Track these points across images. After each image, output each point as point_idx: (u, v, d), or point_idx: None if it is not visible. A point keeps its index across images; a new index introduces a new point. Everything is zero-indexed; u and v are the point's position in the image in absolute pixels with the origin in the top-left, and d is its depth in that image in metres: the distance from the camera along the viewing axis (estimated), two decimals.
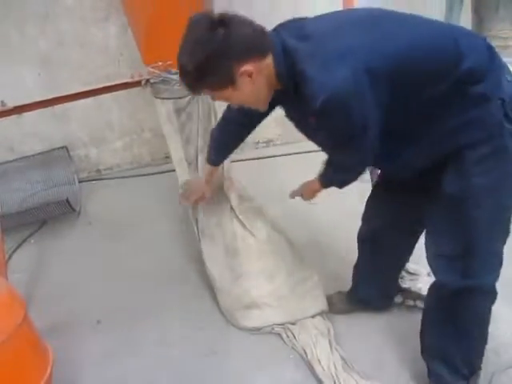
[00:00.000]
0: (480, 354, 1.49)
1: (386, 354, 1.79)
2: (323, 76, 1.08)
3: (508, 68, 1.22)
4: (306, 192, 1.75)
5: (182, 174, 2.15)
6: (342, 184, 1.50)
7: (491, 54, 1.20)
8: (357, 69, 1.07)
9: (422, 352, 1.59)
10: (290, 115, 1.40)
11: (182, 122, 2.12)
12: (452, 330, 1.45)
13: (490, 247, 1.30)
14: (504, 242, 1.32)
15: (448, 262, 1.34)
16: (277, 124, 3.56)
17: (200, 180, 1.96)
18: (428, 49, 1.15)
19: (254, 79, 1.16)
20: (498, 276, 1.36)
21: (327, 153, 1.44)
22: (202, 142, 2.10)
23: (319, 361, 1.71)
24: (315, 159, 3.38)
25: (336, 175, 1.50)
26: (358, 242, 1.81)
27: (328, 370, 1.68)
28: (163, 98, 2.21)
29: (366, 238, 1.77)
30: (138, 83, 2.35)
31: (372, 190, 1.71)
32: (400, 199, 1.55)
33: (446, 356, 1.50)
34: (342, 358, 1.73)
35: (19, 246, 2.75)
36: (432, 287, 1.48)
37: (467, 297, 1.36)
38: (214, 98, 1.30)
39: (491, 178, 1.20)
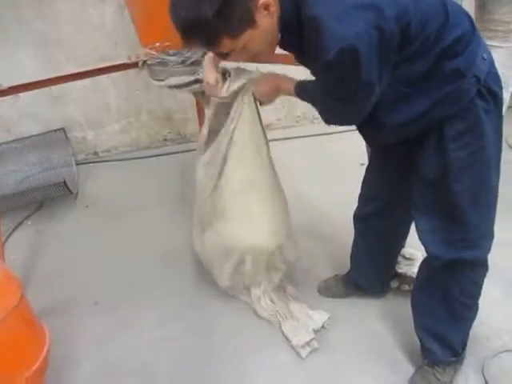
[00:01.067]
0: (470, 328, 1.54)
1: (381, 338, 1.81)
2: (340, 28, 1.03)
3: (485, 45, 1.22)
4: (269, 86, 1.55)
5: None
6: (321, 116, 1.35)
7: (473, 27, 1.19)
8: (374, 25, 1.03)
9: (416, 331, 1.62)
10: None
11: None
12: (444, 306, 1.48)
13: (478, 220, 1.32)
14: (491, 216, 1.36)
15: (439, 235, 1.36)
16: (278, 107, 3.55)
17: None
18: (426, 12, 1.12)
19: (272, 12, 1.11)
20: (489, 249, 1.39)
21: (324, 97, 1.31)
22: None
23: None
24: (314, 143, 3.41)
25: (321, 111, 1.34)
26: (354, 222, 1.82)
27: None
28: (160, 80, 2.18)
29: (360, 218, 1.78)
30: (135, 65, 2.32)
31: (366, 169, 1.71)
32: (392, 173, 1.55)
33: (438, 333, 1.53)
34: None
35: (16, 227, 2.75)
36: (423, 263, 1.52)
37: (459, 270, 1.39)
38: (228, 56, 1.22)
39: (468, 154, 1.23)
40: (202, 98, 1.99)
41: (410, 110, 1.22)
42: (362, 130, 1.43)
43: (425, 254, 1.48)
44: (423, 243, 1.42)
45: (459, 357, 1.58)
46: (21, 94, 2.85)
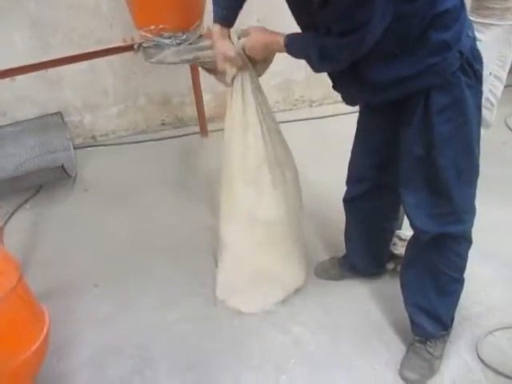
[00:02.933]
0: (458, 301, 1.58)
1: (377, 319, 1.85)
2: None
3: (471, 24, 1.25)
4: (257, 41, 1.47)
5: None
6: (312, 63, 1.32)
7: (463, 3, 1.20)
8: None
9: (406, 308, 1.66)
10: None
11: None
12: (432, 281, 1.52)
13: (462, 194, 1.36)
14: (474, 190, 1.40)
15: (425, 210, 1.39)
16: (276, 91, 3.53)
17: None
18: None
19: None
20: (472, 223, 1.43)
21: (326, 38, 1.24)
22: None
23: None
24: (314, 127, 3.40)
25: (312, 56, 1.28)
26: (344, 206, 1.84)
27: None
28: (155, 63, 2.17)
29: (348, 201, 1.80)
30: (130, 48, 2.31)
31: (351, 151, 1.70)
32: (377, 151, 1.56)
33: (428, 309, 1.57)
34: None
35: (15, 211, 2.75)
36: (410, 241, 1.57)
37: (445, 244, 1.43)
38: None
39: (452, 128, 1.25)
40: (215, 74, 1.85)
41: (393, 71, 1.22)
42: (342, 84, 1.42)
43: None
44: (410, 218, 1.45)
45: (448, 330, 1.64)
46: (16, 78, 2.83)
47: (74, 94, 3.20)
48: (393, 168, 1.46)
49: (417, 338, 1.65)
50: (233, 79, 1.58)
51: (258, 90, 1.62)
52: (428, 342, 1.61)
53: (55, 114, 3.14)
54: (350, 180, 1.76)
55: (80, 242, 2.45)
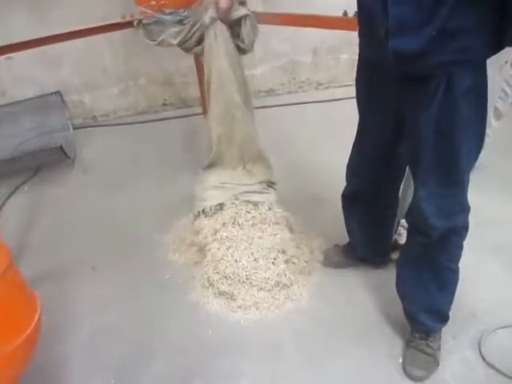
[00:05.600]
0: (455, 290, 1.54)
1: (381, 311, 1.80)
2: None
3: None
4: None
5: None
6: None
7: None
8: None
9: (405, 306, 1.61)
10: None
11: None
12: (434, 277, 1.48)
13: (467, 182, 1.34)
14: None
15: (435, 201, 1.33)
16: (281, 72, 3.44)
17: None
18: None
19: None
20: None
21: None
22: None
23: None
24: (318, 110, 3.31)
25: None
26: (342, 201, 1.80)
27: None
28: (156, 41, 2.08)
29: (346, 197, 1.77)
30: (130, 24, 2.22)
31: (354, 144, 1.62)
32: (382, 142, 1.48)
33: (430, 305, 1.53)
34: None
35: (13, 192, 2.71)
36: (412, 239, 1.50)
37: (450, 238, 1.39)
38: None
39: (473, 110, 1.21)
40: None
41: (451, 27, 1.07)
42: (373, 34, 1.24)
43: None
44: (422, 214, 1.36)
45: (447, 321, 1.59)
46: (14, 56, 2.77)
47: (73, 73, 3.12)
48: (396, 160, 1.45)
49: (417, 334, 1.59)
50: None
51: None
52: (429, 337, 1.57)
53: (54, 93, 3.07)
54: (349, 174, 1.70)
55: (78, 224, 2.40)
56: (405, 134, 1.37)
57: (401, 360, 1.60)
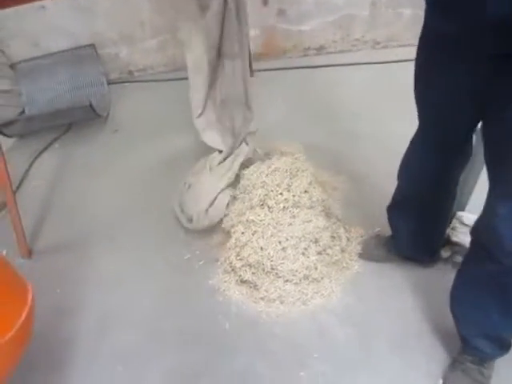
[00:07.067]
0: None
1: (421, 316, 1.56)
2: None
3: None
4: None
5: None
6: None
7: None
8: None
9: (460, 328, 1.36)
10: None
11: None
12: (501, 303, 1.22)
13: None
14: None
15: None
16: (333, 28, 3.07)
17: None
18: None
19: None
20: None
21: None
22: (229, 45, 1.75)
23: None
24: (375, 72, 2.96)
25: None
26: (393, 209, 1.57)
27: None
28: None
29: (401, 200, 1.53)
30: None
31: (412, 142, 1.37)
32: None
33: (491, 331, 1.29)
34: None
35: (44, 149, 2.63)
36: (483, 258, 1.16)
37: None
38: None
39: None
40: None
41: None
42: None
43: None
44: (496, 236, 1.08)
45: (508, 350, 1.33)
46: (47, 5, 2.59)
47: (108, 24, 2.93)
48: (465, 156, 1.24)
49: (469, 357, 1.36)
50: None
51: None
52: (484, 364, 1.33)
53: (88, 46, 2.90)
54: (409, 175, 1.44)
55: (103, 188, 2.29)
56: (490, 125, 1.08)
57: (441, 382, 1.38)
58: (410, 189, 1.47)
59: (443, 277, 1.64)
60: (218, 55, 1.78)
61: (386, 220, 1.68)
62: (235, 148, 1.95)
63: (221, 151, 1.97)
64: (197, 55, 1.80)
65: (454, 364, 1.38)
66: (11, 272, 1.17)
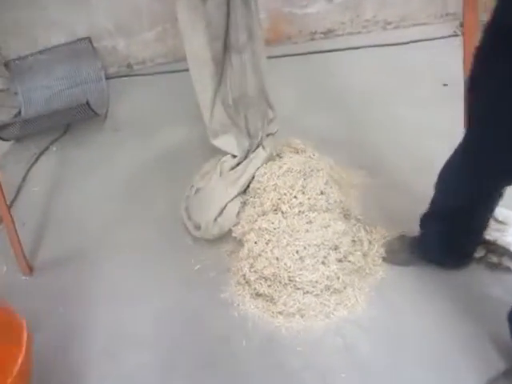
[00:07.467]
0: None
1: (456, 328, 1.42)
2: None
3: None
4: None
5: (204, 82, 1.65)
6: None
7: None
8: None
9: None
10: None
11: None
12: None
13: None
14: None
15: None
16: (342, 9, 2.89)
17: None
18: None
19: None
20: None
21: None
22: (235, 36, 1.58)
23: None
24: (386, 55, 2.78)
25: None
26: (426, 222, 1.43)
27: None
28: None
29: (437, 213, 1.39)
30: None
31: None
32: None
33: None
34: None
35: (41, 153, 2.50)
36: None
37: None
38: None
39: None
40: None
41: None
42: None
43: None
44: None
45: None
46: None
47: (104, 15, 2.77)
48: None
49: None
50: None
51: None
52: None
53: (83, 39, 2.75)
54: (452, 187, 1.31)
55: (102, 193, 2.17)
56: None
57: None
58: (448, 202, 1.32)
59: (478, 280, 1.52)
60: (225, 48, 1.60)
61: (409, 217, 1.55)
62: (251, 152, 1.78)
63: (235, 156, 1.79)
64: (196, 48, 1.63)
65: (502, 379, 1.25)
66: (3, 311, 1.05)
